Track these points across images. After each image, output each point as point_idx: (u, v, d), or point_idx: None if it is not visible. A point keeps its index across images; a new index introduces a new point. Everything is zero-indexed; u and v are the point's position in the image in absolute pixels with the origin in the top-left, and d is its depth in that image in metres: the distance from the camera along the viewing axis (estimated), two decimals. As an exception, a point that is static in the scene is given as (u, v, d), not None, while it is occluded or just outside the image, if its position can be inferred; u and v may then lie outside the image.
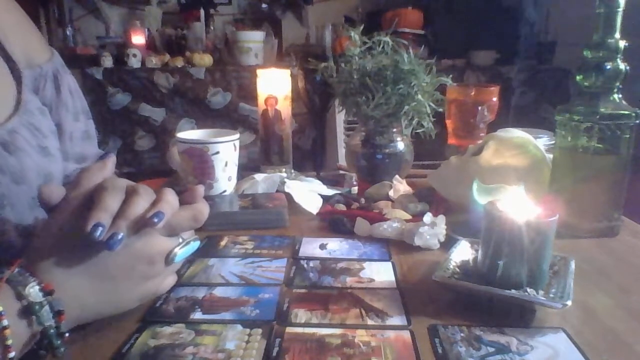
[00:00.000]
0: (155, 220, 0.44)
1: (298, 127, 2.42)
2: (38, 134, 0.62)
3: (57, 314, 0.41)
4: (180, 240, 0.49)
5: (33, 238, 0.46)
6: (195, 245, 0.50)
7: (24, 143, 0.59)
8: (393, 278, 0.58)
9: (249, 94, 2.58)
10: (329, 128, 1.86)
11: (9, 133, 0.58)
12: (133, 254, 0.45)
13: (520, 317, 0.49)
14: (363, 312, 0.50)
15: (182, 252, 0.48)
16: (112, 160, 0.50)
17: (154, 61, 2.61)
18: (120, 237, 0.42)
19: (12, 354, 0.38)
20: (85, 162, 0.76)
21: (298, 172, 1.01)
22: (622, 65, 0.68)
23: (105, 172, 0.48)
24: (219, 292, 0.54)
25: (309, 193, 0.84)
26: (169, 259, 0.47)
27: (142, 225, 0.44)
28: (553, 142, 0.81)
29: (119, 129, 2.63)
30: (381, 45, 0.85)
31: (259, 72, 0.98)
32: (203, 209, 0.49)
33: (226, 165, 0.85)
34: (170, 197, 0.47)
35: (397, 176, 0.86)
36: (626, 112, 0.68)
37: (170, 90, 2.60)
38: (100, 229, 0.42)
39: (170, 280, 0.51)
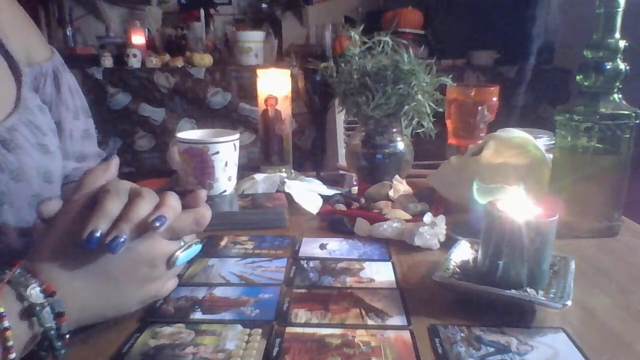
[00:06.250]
0: (157, 224, 0.44)
1: (298, 127, 2.42)
2: (37, 132, 0.62)
3: (58, 315, 0.41)
4: (182, 243, 0.49)
5: (35, 239, 0.46)
6: (197, 248, 0.50)
7: (23, 141, 0.59)
8: (393, 278, 0.58)
9: (249, 94, 2.58)
10: (329, 128, 1.86)
11: (8, 131, 0.58)
12: (135, 257, 0.45)
13: (520, 317, 0.49)
14: (363, 312, 0.50)
15: (183, 256, 0.48)
16: (115, 162, 0.49)
17: (154, 61, 2.61)
18: (122, 239, 0.42)
19: (12, 355, 0.38)
20: (85, 161, 0.76)
21: (298, 172, 1.01)
22: (622, 65, 0.68)
23: (109, 174, 0.48)
24: (219, 292, 0.54)
25: (309, 193, 0.84)
26: (170, 262, 0.47)
27: (144, 228, 0.44)
28: (553, 142, 0.81)
29: (119, 129, 2.63)
30: (381, 45, 0.85)
31: (259, 72, 0.98)
32: (205, 213, 0.50)
33: (226, 165, 0.85)
34: (173, 201, 0.47)
35: (397, 176, 0.86)
36: (626, 112, 0.68)
37: (170, 90, 2.60)
38: (97, 236, 0.42)
39: (172, 283, 0.51)
